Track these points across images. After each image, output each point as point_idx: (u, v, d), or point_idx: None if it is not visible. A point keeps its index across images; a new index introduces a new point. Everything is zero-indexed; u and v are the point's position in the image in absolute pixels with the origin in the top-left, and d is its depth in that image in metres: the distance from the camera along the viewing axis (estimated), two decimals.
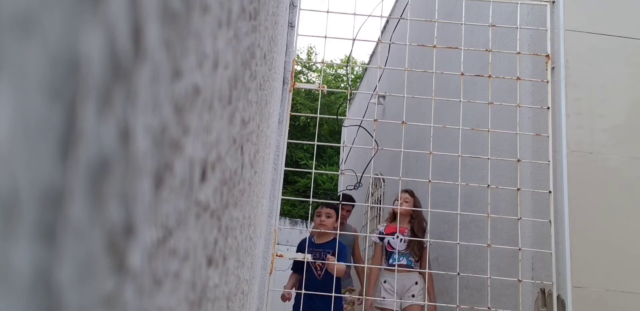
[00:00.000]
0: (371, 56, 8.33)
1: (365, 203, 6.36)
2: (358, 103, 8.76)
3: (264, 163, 1.39)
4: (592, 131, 2.72)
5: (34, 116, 0.14)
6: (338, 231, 2.88)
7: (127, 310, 0.22)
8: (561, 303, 2.42)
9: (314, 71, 20.79)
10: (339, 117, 3.07)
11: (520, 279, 2.41)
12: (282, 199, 2.78)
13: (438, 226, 3.74)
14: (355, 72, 20.99)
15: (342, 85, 20.18)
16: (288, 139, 2.71)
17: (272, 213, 2.65)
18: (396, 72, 3.65)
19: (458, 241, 2.60)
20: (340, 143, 11.77)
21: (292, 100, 2.76)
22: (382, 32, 7.45)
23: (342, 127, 10.91)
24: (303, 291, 2.85)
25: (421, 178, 3.16)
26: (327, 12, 2.71)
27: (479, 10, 3.71)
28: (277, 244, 3.35)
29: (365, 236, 4.25)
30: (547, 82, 2.58)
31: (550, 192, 2.43)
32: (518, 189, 2.49)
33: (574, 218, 2.50)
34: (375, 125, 2.69)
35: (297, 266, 3.45)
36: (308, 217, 3.93)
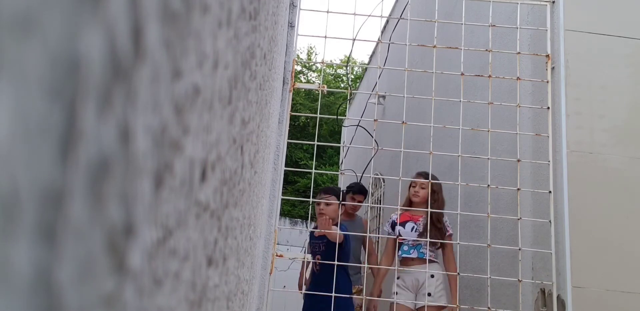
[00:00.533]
0: (371, 56, 8.33)
1: (365, 202, 6.37)
2: (358, 103, 8.76)
3: (264, 163, 1.39)
4: (592, 131, 2.72)
5: (34, 116, 0.14)
6: (338, 223, 2.82)
7: (127, 310, 0.22)
8: (561, 303, 2.42)
9: (314, 71, 20.78)
10: (338, 117, 3.07)
11: (520, 279, 2.41)
12: (282, 199, 2.77)
13: None
14: (355, 72, 20.99)
15: (342, 85, 20.18)
16: (288, 139, 2.71)
17: (272, 213, 2.64)
18: (396, 72, 3.65)
19: (458, 241, 2.60)
20: (340, 142, 11.77)
21: (292, 100, 2.77)
22: (382, 32, 7.45)
23: (342, 128, 10.91)
24: (302, 291, 2.84)
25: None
26: (327, 12, 2.71)
27: (479, 10, 3.71)
28: (277, 244, 3.34)
29: (377, 229, 4.17)
30: (547, 82, 2.58)
31: (550, 192, 2.43)
32: (518, 189, 2.49)
33: (574, 218, 2.50)
34: (375, 125, 2.69)
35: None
36: (308, 217, 3.79)
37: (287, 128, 2.72)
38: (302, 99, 17.87)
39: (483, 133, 2.77)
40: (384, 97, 6.09)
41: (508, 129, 2.71)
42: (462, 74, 2.59)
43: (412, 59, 3.48)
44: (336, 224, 2.96)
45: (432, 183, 2.81)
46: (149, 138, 0.23)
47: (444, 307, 2.79)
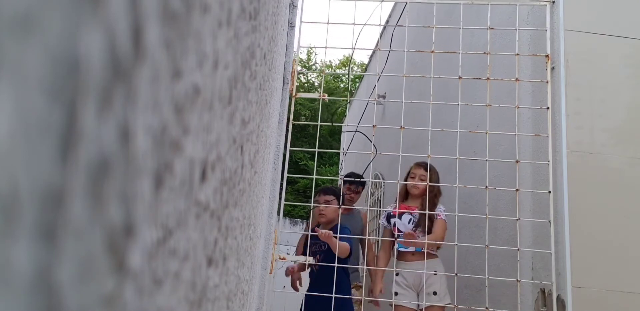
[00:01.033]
0: (371, 56, 8.33)
1: (365, 203, 6.36)
2: (358, 103, 8.76)
3: (264, 163, 1.39)
4: (592, 131, 2.72)
5: (34, 116, 0.14)
6: (339, 222, 2.82)
7: (127, 310, 0.22)
8: (561, 303, 2.42)
9: (314, 71, 20.79)
10: (336, 124, 3.12)
11: (519, 279, 2.41)
12: (285, 200, 2.80)
13: None
14: (354, 72, 20.97)
15: (342, 85, 20.19)
16: (287, 138, 2.72)
17: (272, 213, 2.65)
18: (396, 71, 3.65)
19: (456, 243, 2.60)
20: (340, 143, 11.77)
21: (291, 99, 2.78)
22: (382, 33, 7.45)
23: (342, 128, 10.90)
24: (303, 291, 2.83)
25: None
26: (327, 23, 2.72)
27: (479, 10, 3.71)
28: (278, 244, 3.33)
29: (376, 229, 4.08)
30: (547, 82, 2.59)
31: (549, 192, 2.44)
32: (517, 190, 2.49)
33: (573, 218, 2.50)
34: (374, 131, 2.70)
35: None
36: (309, 217, 3.71)
37: (290, 135, 2.74)
38: (302, 99, 17.88)
39: (484, 130, 2.77)
40: (384, 96, 6.09)
41: (508, 129, 2.71)
42: (460, 77, 2.61)
43: (413, 58, 3.48)
44: (335, 226, 2.92)
45: (431, 174, 2.73)
46: (149, 138, 0.23)
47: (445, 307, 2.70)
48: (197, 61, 0.32)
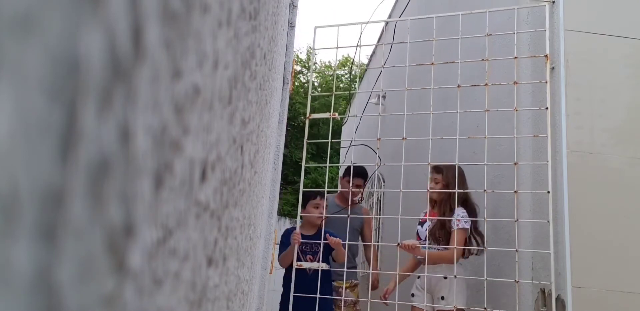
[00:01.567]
0: (371, 56, 8.34)
1: (365, 202, 6.36)
2: (358, 103, 8.75)
3: (264, 163, 1.39)
4: (592, 131, 2.72)
5: (34, 116, 0.14)
6: (346, 214, 2.80)
7: (127, 310, 0.22)
8: (561, 303, 2.42)
9: (313, 71, 20.79)
10: (343, 140, 3.14)
11: (517, 280, 2.42)
12: (283, 199, 2.81)
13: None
14: (354, 72, 20.95)
15: (342, 85, 20.18)
16: (287, 138, 2.74)
17: (272, 213, 2.65)
18: (396, 71, 3.65)
19: (455, 246, 2.61)
20: (340, 143, 11.76)
21: (291, 99, 2.80)
22: (382, 31, 7.45)
23: (342, 128, 10.89)
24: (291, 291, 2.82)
25: (421, 180, 3.16)
26: (337, 48, 2.75)
27: (480, 9, 3.71)
28: (278, 244, 3.32)
29: (376, 229, 4.03)
30: (546, 82, 2.59)
31: (548, 192, 2.44)
32: (515, 191, 2.50)
33: (573, 218, 2.50)
34: (379, 144, 2.77)
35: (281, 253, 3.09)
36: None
37: (305, 154, 2.79)
38: (302, 99, 17.87)
39: (483, 132, 2.77)
40: (384, 97, 6.09)
41: (508, 129, 2.71)
42: (459, 86, 2.64)
43: (413, 57, 3.49)
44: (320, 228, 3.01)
45: (444, 177, 2.72)
46: (149, 138, 0.23)
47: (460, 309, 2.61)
48: (197, 61, 0.32)
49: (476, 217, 2.75)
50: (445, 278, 2.69)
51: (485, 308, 2.40)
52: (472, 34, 2.96)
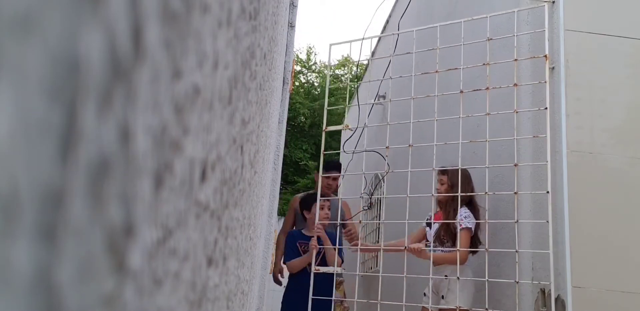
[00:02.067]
0: (371, 56, 8.32)
1: (365, 202, 6.35)
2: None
3: (264, 163, 1.39)
4: (592, 131, 2.72)
5: (34, 116, 0.14)
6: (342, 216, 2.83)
7: (127, 310, 0.22)
8: (561, 303, 2.42)
9: (313, 71, 20.79)
10: (357, 151, 3.24)
11: (517, 280, 2.42)
12: (283, 199, 2.84)
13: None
14: (353, 72, 20.94)
15: (341, 85, 20.18)
16: (287, 138, 2.76)
17: (272, 213, 2.65)
18: (397, 71, 3.66)
19: (458, 248, 2.62)
20: (339, 143, 11.76)
21: (291, 99, 2.82)
22: (382, 30, 7.45)
23: (341, 133, 10.88)
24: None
25: (423, 180, 3.16)
26: (352, 63, 2.74)
27: (480, 10, 3.71)
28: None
29: (376, 230, 4.10)
30: (545, 82, 2.59)
31: (548, 192, 2.43)
32: (515, 192, 2.50)
33: (573, 218, 2.50)
34: (388, 151, 2.85)
35: (289, 258, 3.20)
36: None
37: (321, 164, 2.85)
38: (302, 99, 17.88)
39: (484, 131, 2.78)
40: (383, 97, 6.09)
41: (508, 129, 2.72)
42: (462, 91, 2.70)
43: (413, 54, 3.49)
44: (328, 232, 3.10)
45: (449, 178, 2.78)
46: (149, 138, 0.23)
47: (459, 308, 2.63)
48: (197, 61, 0.32)
49: (479, 219, 2.77)
50: (446, 277, 2.73)
51: (487, 309, 2.40)
52: (472, 34, 2.96)
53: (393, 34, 3.07)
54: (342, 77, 20.92)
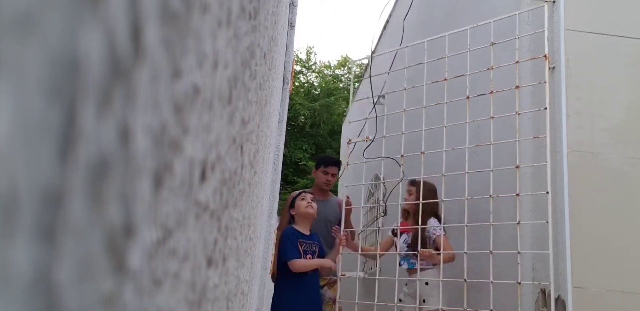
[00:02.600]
0: (371, 56, 8.32)
1: (366, 202, 6.36)
2: (358, 104, 8.74)
3: (264, 163, 1.39)
4: (592, 131, 2.72)
5: (34, 116, 0.14)
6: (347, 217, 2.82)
7: (127, 310, 0.22)
8: (561, 303, 2.42)
9: (313, 71, 20.79)
10: (372, 158, 3.32)
11: (519, 281, 2.42)
12: (283, 200, 2.84)
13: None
14: (353, 72, 20.94)
15: (341, 85, 20.18)
16: (287, 138, 2.76)
17: (272, 213, 2.65)
18: (397, 71, 3.66)
19: (465, 251, 2.64)
20: (339, 143, 11.76)
21: (291, 99, 2.83)
22: (382, 31, 7.45)
23: (342, 128, 10.89)
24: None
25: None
26: (370, 77, 2.75)
27: (481, 9, 3.71)
28: None
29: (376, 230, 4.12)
30: (545, 83, 2.59)
31: (547, 192, 2.44)
32: (517, 194, 2.51)
33: (574, 218, 2.50)
34: (403, 160, 3.00)
35: (293, 255, 3.01)
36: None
37: (342, 172, 2.87)
38: (302, 99, 17.87)
39: (485, 131, 2.78)
40: (384, 97, 6.08)
41: (509, 129, 2.72)
42: (468, 97, 2.78)
43: (415, 50, 3.49)
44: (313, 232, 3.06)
45: (419, 190, 2.97)
46: (148, 138, 0.23)
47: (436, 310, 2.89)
48: (197, 61, 0.32)
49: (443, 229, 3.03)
50: (427, 284, 2.98)
51: (491, 310, 2.42)
52: (473, 36, 2.97)
53: (407, 46, 3.20)
54: (342, 77, 20.91)
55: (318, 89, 19.64)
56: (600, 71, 2.81)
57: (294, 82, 2.73)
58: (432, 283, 2.95)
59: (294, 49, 2.75)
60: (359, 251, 3.24)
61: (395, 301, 3.00)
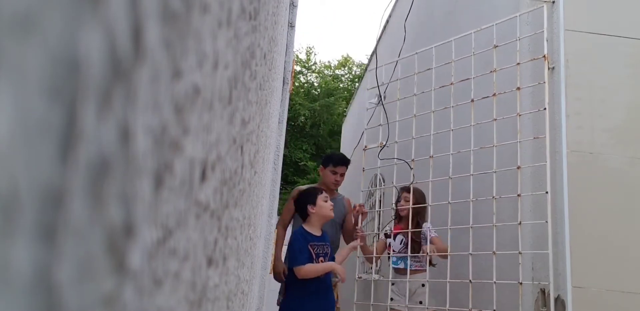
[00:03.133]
0: (370, 56, 8.34)
1: (366, 203, 6.36)
2: (358, 104, 8.76)
3: (264, 163, 1.39)
4: (592, 131, 2.72)
5: (34, 116, 0.14)
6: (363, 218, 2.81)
7: (127, 310, 0.22)
8: (561, 303, 2.42)
9: (313, 71, 20.78)
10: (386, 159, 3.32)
11: (521, 282, 2.42)
12: (283, 200, 2.82)
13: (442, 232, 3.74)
14: (353, 72, 20.95)
15: (341, 85, 20.19)
16: (287, 138, 2.76)
17: (272, 213, 2.65)
18: (398, 71, 3.66)
19: (470, 252, 2.65)
20: (339, 142, 11.76)
21: (291, 99, 2.83)
22: (382, 32, 7.45)
23: (342, 128, 10.89)
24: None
25: (425, 182, 3.18)
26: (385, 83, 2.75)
27: (481, 9, 3.71)
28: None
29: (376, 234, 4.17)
30: (544, 83, 2.59)
31: (547, 192, 2.44)
32: (519, 195, 2.52)
33: (574, 218, 2.50)
34: (413, 164, 3.06)
35: (300, 261, 2.82)
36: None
37: (363, 182, 2.79)
38: (302, 99, 17.87)
39: (487, 130, 2.78)
40: (383, 97, 6.08)
41: (509, 128, 2.72)
42: (472, 100, 2.81)
43: (414, 48, 3.49)
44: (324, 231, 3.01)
45: (415, 197, 3.14)
46: (149, 138, 0.23)
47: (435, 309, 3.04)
48: (197, 61, 0.32)
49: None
50: (423, 285, 3.10)
51: (494, 310, 2.42)
52: (474, 37, 2.97)
53: (417, 53, 3.23)
54: (343, 77, 20.91)
55: (318, 89, 19.64)
56: (600, 71, 2.81)
57: (294, 83, 2.73)
58: (428, 285, 3.07)
59: (294, 49, 2.75)
60: (374, 254, 3.31)
61: (388, 301, 3.13)
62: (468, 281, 2.65)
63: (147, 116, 0.23)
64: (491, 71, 2.75)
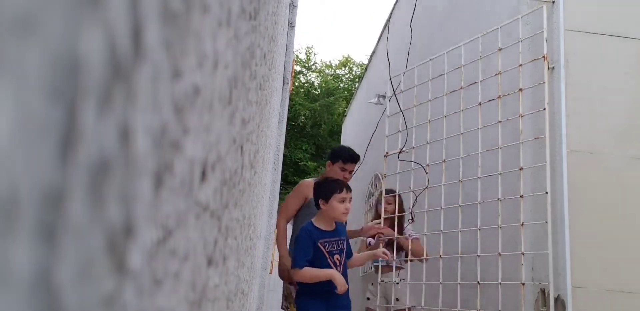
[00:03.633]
0: (371, 56, 8.33)
1: (365, 202, 6.36)
2: (358, 104, 8.75)
3: (264, 163, 1.39)
4: (592, 131, 2.72)
5: (34, 116, 0.14)
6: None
7: (127, 310, 0.22)
8: (561, 303, 2.42)
9: (313, 71, 20.78)
10: (401, 156, 3.36)
11: (523, 282, 2.43)
12: (283, 200, 2.79)
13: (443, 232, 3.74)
14: (354, 72, 20.95)
15: (342, 85, 20.18)
16: (287, 138, 2.75)
17: (272, 213, 2.64)
18: (397, 71, 3.66)
19: (478, 254, 2.66)
20: (339, 142, 11.75)
21: (291, 100, 2.83)
22: (382, 32, 7.45)
23: (342, 128, 10.88)
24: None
25: (448, 190, 3.18)
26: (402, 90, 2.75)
27: (481, 9, 3.71)
28: None
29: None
30: (544, 83, 2.59)
31: (546, 193, 2.44)
32: (521, 196, 2.53)
33: (573, 218, 2.50)
34: (428, 169, 3.12)
35: (299, 262, 2.46)
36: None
37: (384, 187, 2.78)
38: (302, 99, 17.87)
39: (489, 130, 2.79)
40: (383, 97, 6.09)
41: (510, 129, 2.72)
42: (480, 103, 2.84)
43: (416, 45, 3.49)
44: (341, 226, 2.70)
45: (397, 199, 3.28)
46: (149, 138, 0.23)
47: (410, 308, 3.15)
48: (197, 61, 0.32)
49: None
50: (397, 283, 3.23)
51: (499, 309, 2.44)
52: (473, 29, 2.97)
53: (430, 59, 3.27)
54: (343, 77, 20.89)
55: (318, 89, 19.63)
56: (600, 71, 2.80)
57: (294, 83, 2.73)
58: (403, 283, 3.21)
59: (294, 49, 2.74)
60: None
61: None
62: (476, 282, 2.67)
63: (147, 116, 0.23)
64: (496, 74, 2.77)
